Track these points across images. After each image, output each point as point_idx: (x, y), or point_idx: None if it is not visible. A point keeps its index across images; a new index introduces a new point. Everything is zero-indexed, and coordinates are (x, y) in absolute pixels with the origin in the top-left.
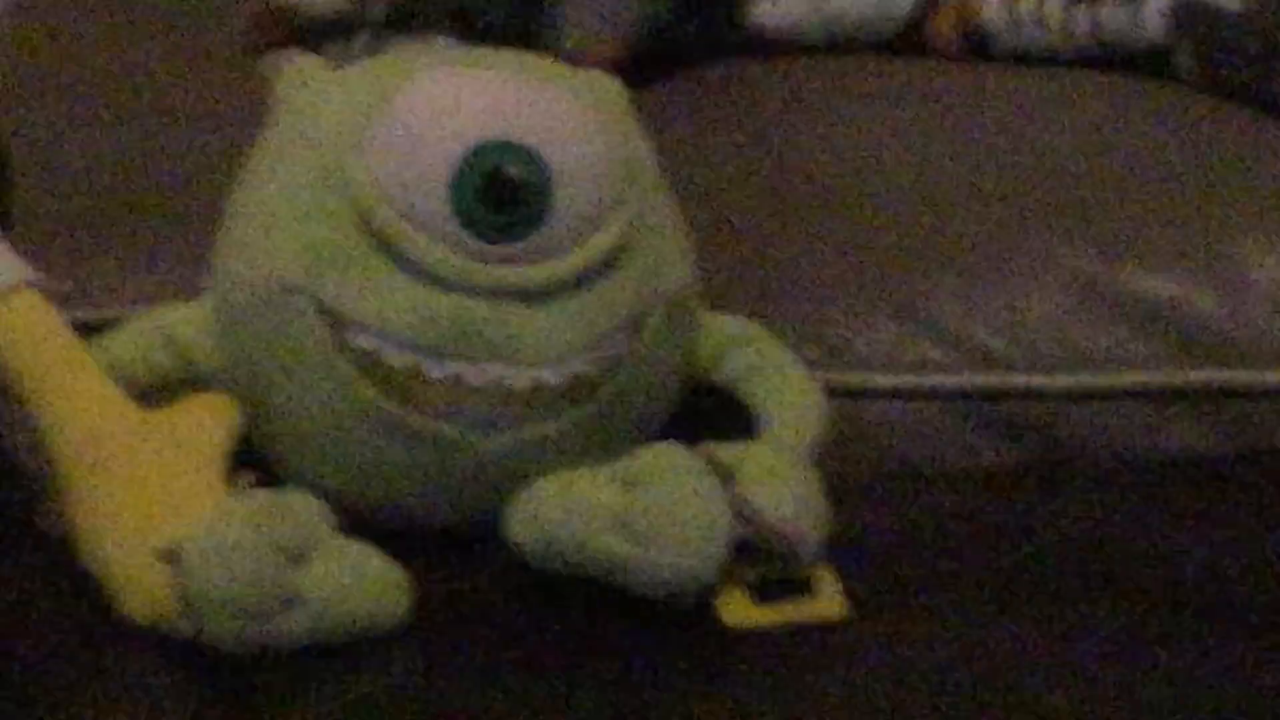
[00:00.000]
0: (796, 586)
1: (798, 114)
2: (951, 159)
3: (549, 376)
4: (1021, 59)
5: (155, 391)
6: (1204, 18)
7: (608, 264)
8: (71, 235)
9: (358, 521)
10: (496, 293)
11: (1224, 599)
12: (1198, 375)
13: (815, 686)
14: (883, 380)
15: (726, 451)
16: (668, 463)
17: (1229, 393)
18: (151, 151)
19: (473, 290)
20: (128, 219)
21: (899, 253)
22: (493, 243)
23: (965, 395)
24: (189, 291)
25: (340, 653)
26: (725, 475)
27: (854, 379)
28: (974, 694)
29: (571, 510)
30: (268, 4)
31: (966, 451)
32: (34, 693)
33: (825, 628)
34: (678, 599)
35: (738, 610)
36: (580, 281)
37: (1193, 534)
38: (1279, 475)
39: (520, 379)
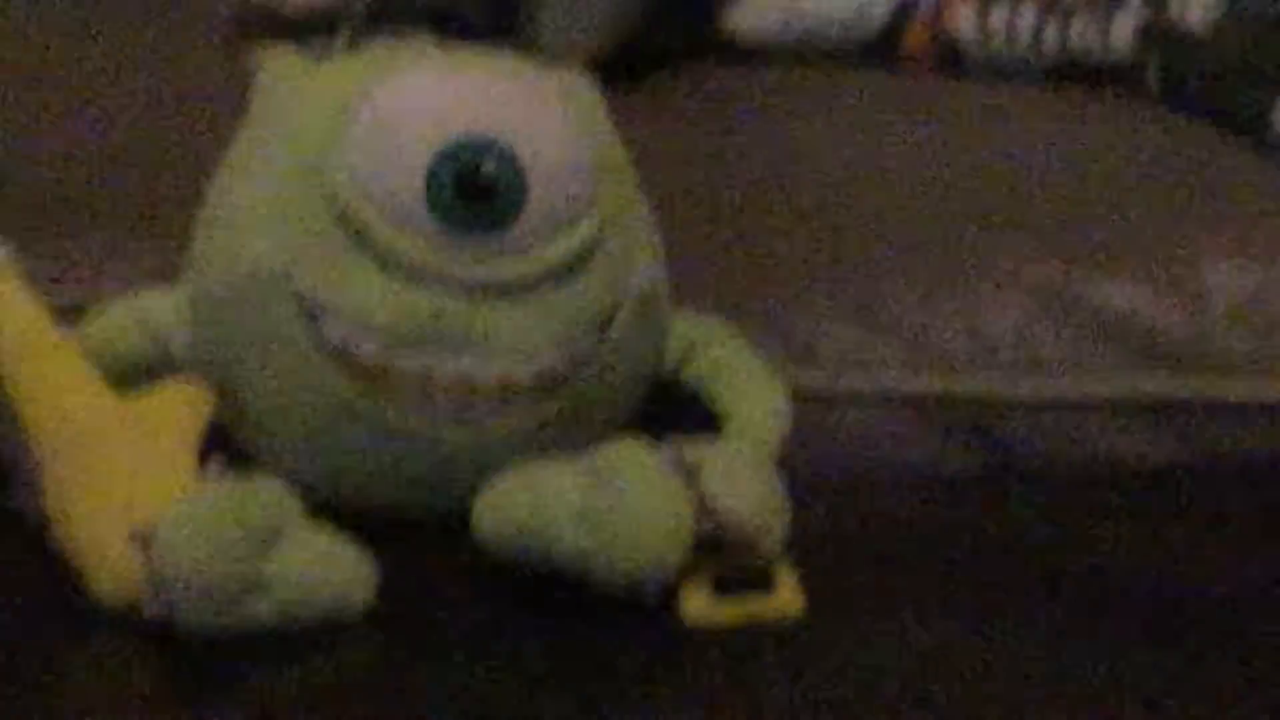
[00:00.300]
0: (756, 583)
1: (769, 120)
2: (919, 168)
3: (518, 371)
4: (992, 71)
5: (130, 377)
6: (1171, 37)
7: (579, 262)
8: (51, 221)
9: (327, 509)
10: (469, 288)
11: (1179, 608)
12: (1156, 386)
13: (773, 681)
14: (846, 383)
15: (691, 449)
16: (632, 459)
17: (1186, 404)
18: (132, 140)
19: (446, 284)
20: (107, 206)
21: (864, 258)
22: (466, 238)
23: (926, 400)
24: (166, 279)
25: (306, 638)
26: (689, 472)
27: (818, 381)
28: (927, 692)
29: (536, 504)
30: None
31: (927, 455)
32: (4, 671)
33: (784, 624)
34: (639, 593)
35: (698, 605)
36: (551, 278)
37: (1148, 543)
38: (1234, 486)
39: (490, 373)
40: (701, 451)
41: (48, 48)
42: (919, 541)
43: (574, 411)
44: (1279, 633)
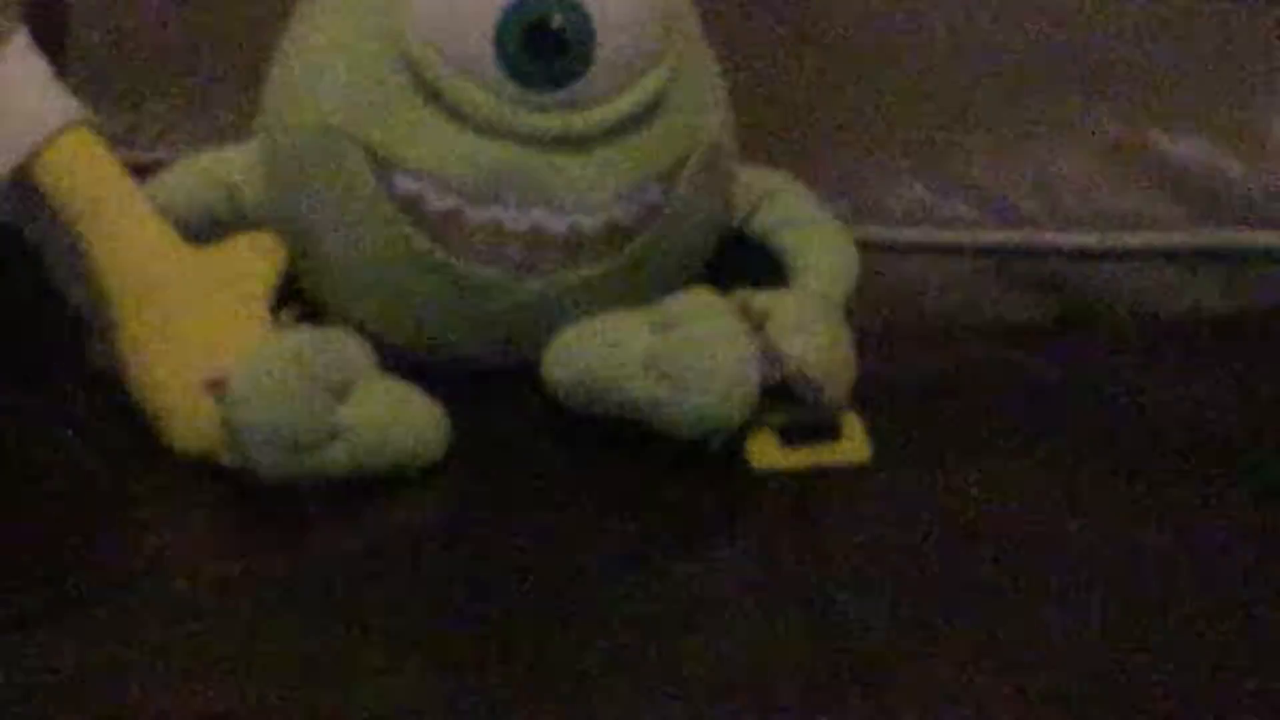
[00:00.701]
0: (823, 431)
1: None
2: (986, 21)
3: (586, 223)
4: None
5: (204, 230)
6: None
7: (646, 114)
8: (126, 78)
9: (398, 360)
10: (537, 140)
11: (1243, 455)
12: (1220, 236)
13: (837, 526)
14: (913, 235)
15: (758, 299)
16: (700, 308)
17: (1250, 254)
18: None
19: (515, 137)
20: (181, 62)
21: (932, 112)
22: (535, 90)
23: (993, 251)
24: (239, 134)
25: (379, 485)
26: (756, 321)
27: (885, 234)
28: (992, 537)
29: (606, 352)
30: None
31: (992, 306)
32: (89, 519)
33: (849, 471)
34: (707, 439)
35: (765, 452)
36: (619, 130)
37: (1210, 389)
38: None
39: (558, 225)
40: (769, 301)
41: None
42: (985, 390)
43: (642, 262)
44: None
